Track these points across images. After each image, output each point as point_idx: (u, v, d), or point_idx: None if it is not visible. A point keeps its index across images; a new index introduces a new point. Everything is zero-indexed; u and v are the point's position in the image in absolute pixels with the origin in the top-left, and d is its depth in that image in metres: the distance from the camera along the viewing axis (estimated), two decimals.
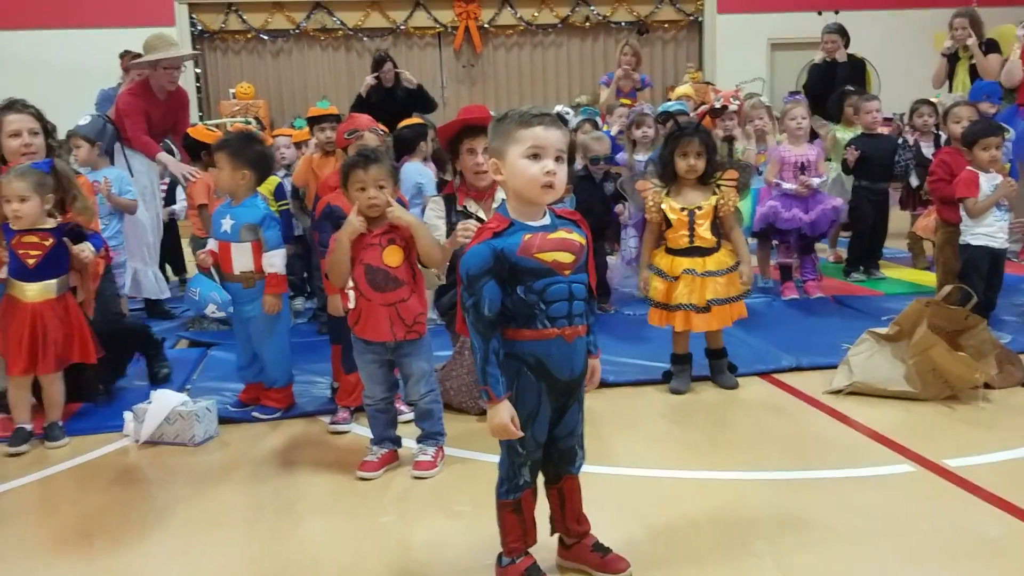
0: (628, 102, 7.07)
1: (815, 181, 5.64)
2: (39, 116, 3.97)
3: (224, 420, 3.81)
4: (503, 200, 2.35)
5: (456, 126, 3.77)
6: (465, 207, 3.78)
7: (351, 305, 3.20)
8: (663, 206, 3.96)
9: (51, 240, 3.59)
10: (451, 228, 3.73)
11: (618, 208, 5.50)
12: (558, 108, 7.61)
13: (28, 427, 3.66)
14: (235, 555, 2.68)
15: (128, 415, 3.72)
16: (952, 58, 7.56)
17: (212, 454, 3.55)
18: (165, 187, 6.44)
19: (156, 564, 2.64)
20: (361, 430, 3.62)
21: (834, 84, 7.17)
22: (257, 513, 2.98)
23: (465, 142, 3.75)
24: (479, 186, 3.78)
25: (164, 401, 3.64)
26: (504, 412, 2.19)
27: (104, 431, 3.78)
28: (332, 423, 3.74)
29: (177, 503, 3.08)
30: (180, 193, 6.34)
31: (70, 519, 2.99)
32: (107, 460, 3.52)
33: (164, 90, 5.74)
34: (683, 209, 3.93)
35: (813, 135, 6.61)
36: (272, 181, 5.31)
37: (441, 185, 5.24)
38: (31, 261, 3.56)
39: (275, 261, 3.74)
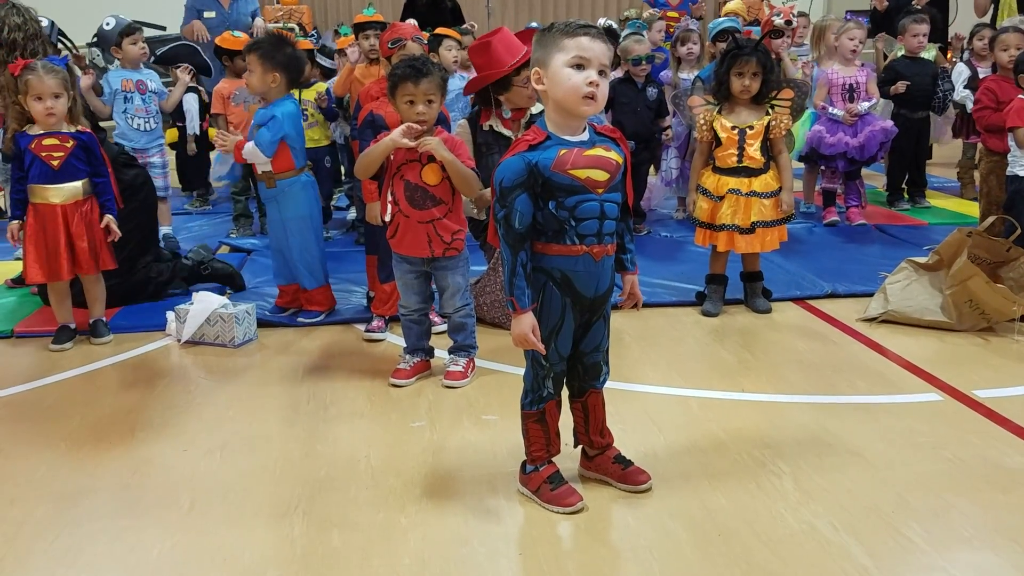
0: (675, 15, 6.89)
1: (863, 106, 5.50)
2: None
3: (263, 324, 3.90)
4: (540, 112, 2.34)
5: (488, 81, 3.76)
6: (491, 126, 3.79)
7: (387, 218, 3.21)
8: (714, 124, 3.91)
9: (71, 142, 3.54)
10: (476, 148, 3.74)
11: (665, 123, 5.42)
12: (601, 21, 7.43)
13: (72, 325, 3.77)
14: (270, 453, 2.77)
15: (171, 315, 3.82)
16: None
17: (251, 356, 3.64)
18: None
19: (194, 457, 2.74)
20: (395, 339, 3.69)
21: (908, 3, 6.90)
22: (292, 414, 3.07)
23: (513, 79, 3.72)
24: (524, 106, 3.81)
25: (206, 303, 3.73)
26: (526, 323, 2.23)
27: (147, 329, 3.90)
28: (367, 331, 3.81)
29: (215, 401, 3.19)
30: (187, 104, 6.02)
31: (113, 412, 3.10)
32: (149, 357, 3.64)
33: None
34: (734, 128, 3.88)
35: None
36: (319, 87, 5.36)
37: None
38: (55, 162, 3.52)
39: (249, 148, 3.65)
